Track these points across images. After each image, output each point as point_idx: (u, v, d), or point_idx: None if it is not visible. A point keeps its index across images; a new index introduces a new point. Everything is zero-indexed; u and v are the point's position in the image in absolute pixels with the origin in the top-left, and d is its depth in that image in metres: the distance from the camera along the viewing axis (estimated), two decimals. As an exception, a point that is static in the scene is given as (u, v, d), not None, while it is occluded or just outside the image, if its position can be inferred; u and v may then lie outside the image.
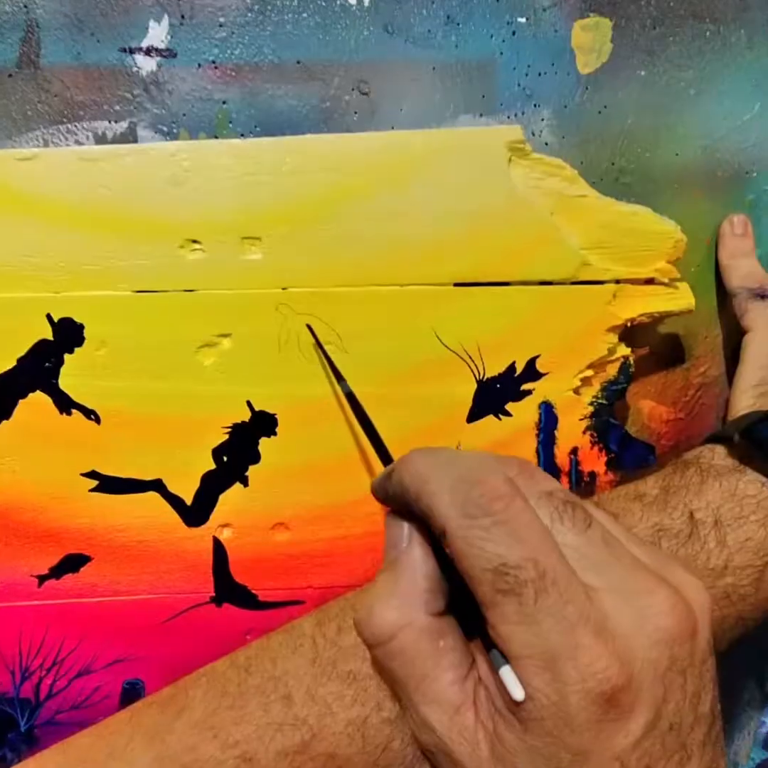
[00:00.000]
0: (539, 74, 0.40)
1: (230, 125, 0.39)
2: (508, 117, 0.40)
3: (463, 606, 0.26)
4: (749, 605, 0.32)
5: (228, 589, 0.39)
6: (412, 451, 0.28)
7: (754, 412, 0.36)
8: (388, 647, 0.25)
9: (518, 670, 0.23)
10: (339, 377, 0.37)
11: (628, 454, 0.40)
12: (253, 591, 0.39)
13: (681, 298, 0.40)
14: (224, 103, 0.39)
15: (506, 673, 0.23)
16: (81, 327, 0.37)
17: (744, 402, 0.38)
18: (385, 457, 0.33)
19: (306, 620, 0.31)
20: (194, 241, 0.37)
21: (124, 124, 0.38)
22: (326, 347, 0.38)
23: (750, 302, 0.41)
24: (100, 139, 0.38)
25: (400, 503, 0.27)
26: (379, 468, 0.32)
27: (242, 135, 0.39)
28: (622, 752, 0.23)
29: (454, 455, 0.27)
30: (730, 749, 0.47)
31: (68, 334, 0.37)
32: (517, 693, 0.23)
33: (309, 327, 0.37)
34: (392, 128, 0.39)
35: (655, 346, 0.42)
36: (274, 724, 0.27)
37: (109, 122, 0.38)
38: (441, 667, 0.25)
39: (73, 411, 0.37)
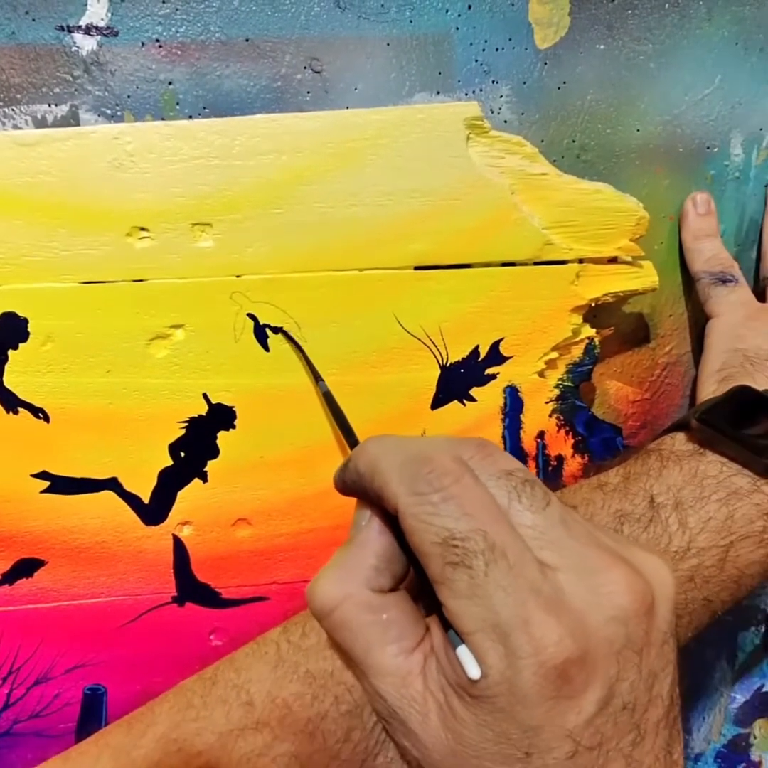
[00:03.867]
0: (497, 49, 0.39)
1: (177, 107, 0.37)
2: (466, 94, 0.39)
3: (427, 587, 0.25)
4: (715, 586, 0.32)
5: (190, 588, 0.38)
6: (368, 438, 0.28)
7: (712, 398, 0.36)
8: (332, 618, 0.26)
9: (471, 645, 0.23)
10: (318, 378, 0.36)
11: (596, 437, 0.40)
12: (216, 589, 0.38)
13: (645, 277, 0.39)
14: (170, 83, 0.37)
15: (462, 652, 0.23)
16: (25, 321, 0.35)
17: (708, 388, 0.37)
18: None
19: (274, 629, 0.31)
20: (142, 229, 0.35)
21: (65, 108, 0.37)
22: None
23: (712, 288, 0.41)
24: (40, 123, 0.36)
25: (357, 490, 0.27)
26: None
27: (190, 117, 0.37)
28: (574, 729, 0.22)
29: (408, 439, 0.27)
30: (703, 726, 0.47)
31: (11, 329, 0.35)
32: (473, 671, 0.23)
33: (251, 316, 0.36)
34: (346, 107, 0.38)
35: (619, 326, 0.42)
36: (235, 731, 0.27)
37: (49, 105, 0.36)
38: (386, 638, 0.25)
39: (20, 410, 0.36)
